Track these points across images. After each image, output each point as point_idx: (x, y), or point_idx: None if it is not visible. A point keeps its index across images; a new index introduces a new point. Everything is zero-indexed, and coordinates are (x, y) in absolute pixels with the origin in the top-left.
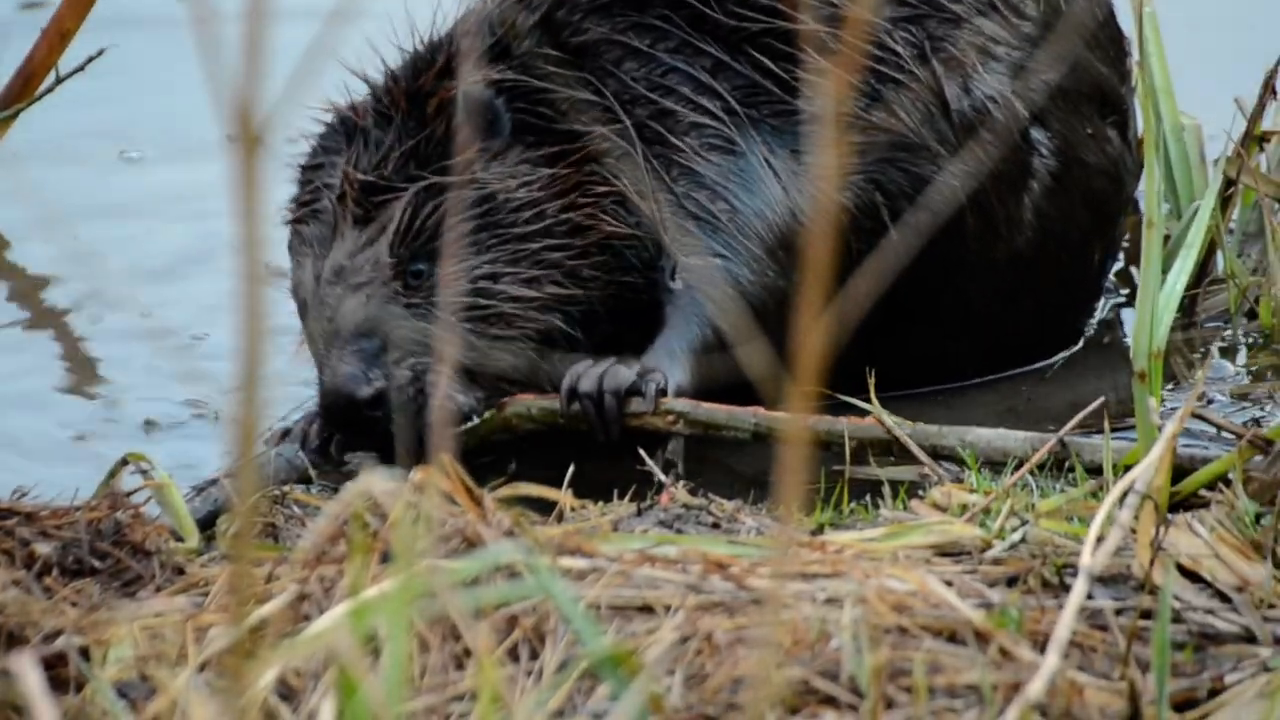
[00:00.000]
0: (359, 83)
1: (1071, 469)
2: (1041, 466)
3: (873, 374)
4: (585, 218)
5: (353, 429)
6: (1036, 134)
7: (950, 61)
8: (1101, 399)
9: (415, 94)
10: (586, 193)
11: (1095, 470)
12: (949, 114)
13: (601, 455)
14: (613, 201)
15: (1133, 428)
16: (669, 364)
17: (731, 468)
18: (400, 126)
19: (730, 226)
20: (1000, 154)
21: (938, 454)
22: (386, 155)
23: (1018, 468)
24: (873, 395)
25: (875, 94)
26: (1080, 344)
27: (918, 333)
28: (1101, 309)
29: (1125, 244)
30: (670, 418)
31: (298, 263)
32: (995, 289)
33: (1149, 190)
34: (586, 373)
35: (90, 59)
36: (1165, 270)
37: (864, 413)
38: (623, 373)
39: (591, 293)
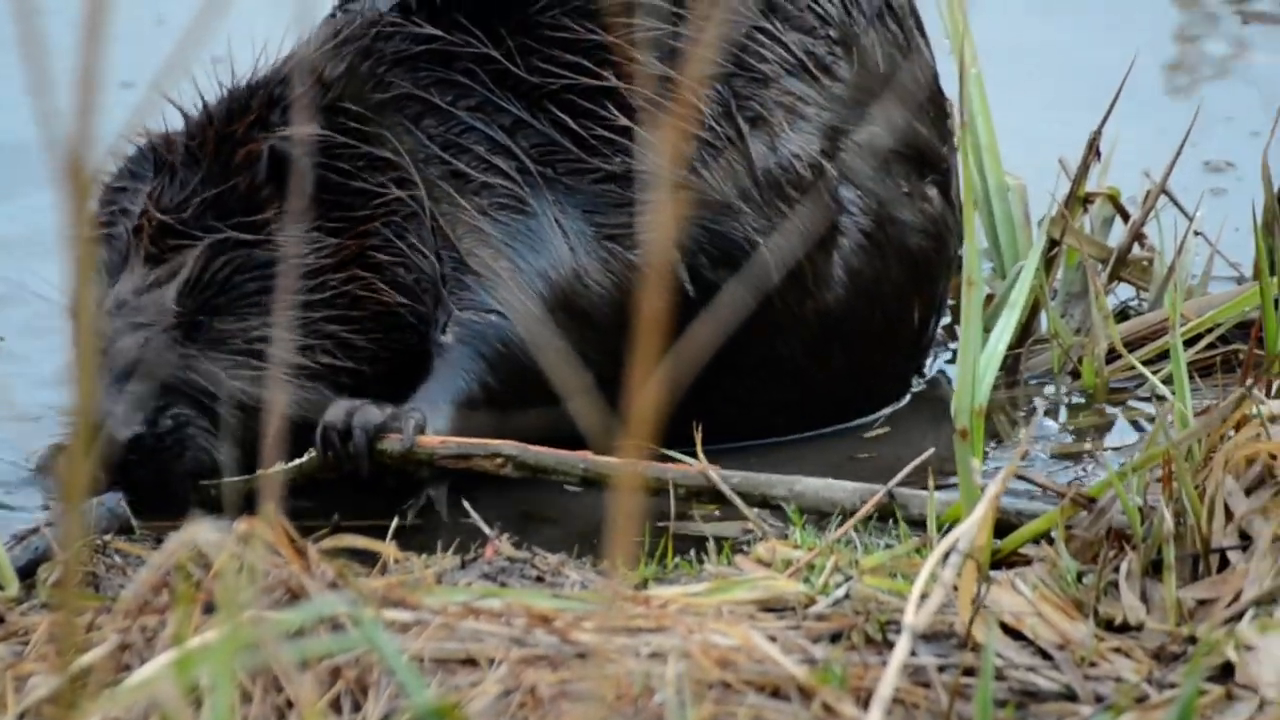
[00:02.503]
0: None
1: (896, 524)
2: (866, 521)
3: (700, 427)
4: (363, 289)
5: (106, 467)
6: (846, 192)
7: (756, 120)
8: (929, 451)
9: (225, 139)
10: (366, 262)
11: (922, 523)
12: (754, 172)
13: (428, 506)
14: (393, 264)
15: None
16: (429, 411)
17: (556, 522)
18: (206, 171)
19: (510, 283)
20: (807, 212)
21: (767, 503)
22: (188, 199)
23: (843, 522)
24: (699, 447)
25: (669, 149)
26: (907, 399)
27: (727, 386)
28: (931, 366)
29: (954, 302)
30: (499, 460)
31: None
32: (804, 344)
33: (969, 249)
34: (336, 405)
35: None
36: (989, 329)
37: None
38: (374, 411)
39: (362, 363)
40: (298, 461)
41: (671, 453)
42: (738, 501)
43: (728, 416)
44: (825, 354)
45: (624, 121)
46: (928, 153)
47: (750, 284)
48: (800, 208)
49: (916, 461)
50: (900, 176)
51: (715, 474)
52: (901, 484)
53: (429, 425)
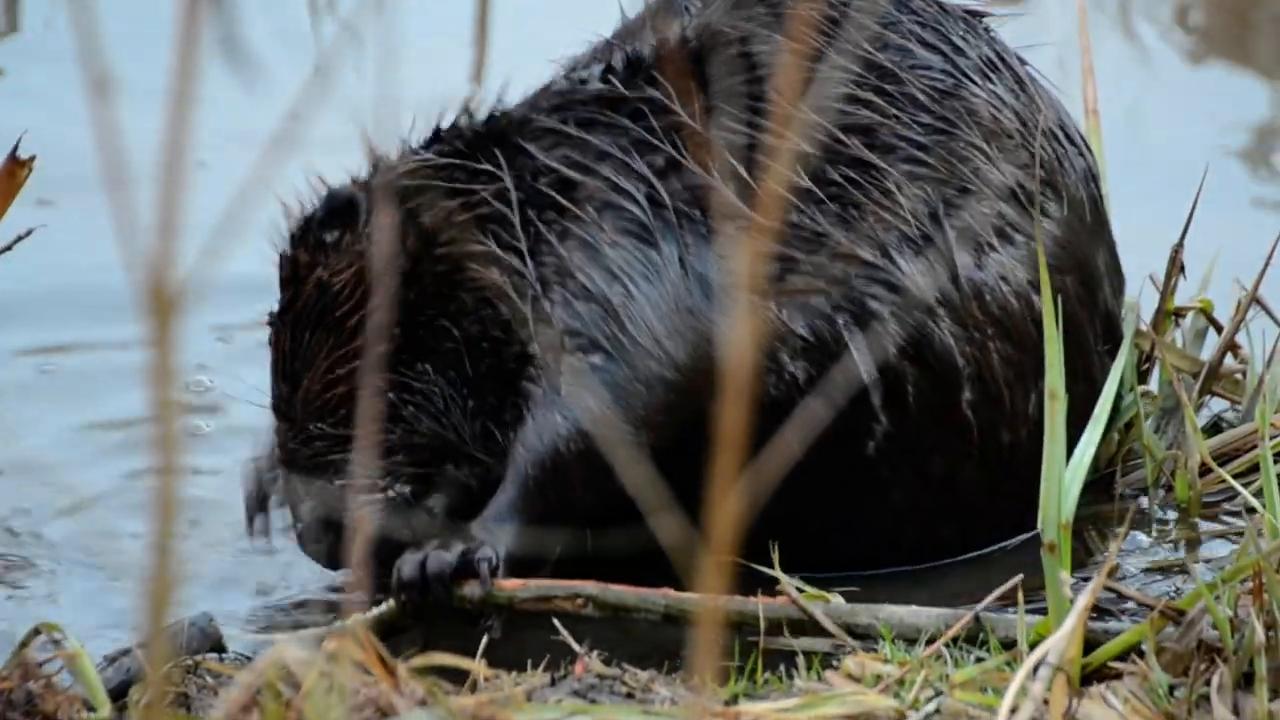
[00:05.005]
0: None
1: (985, 640)
2: (955, 638)
3: (778, 546)
4: (462, 278)
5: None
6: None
7: (964, 231)
8: (1019, 577)
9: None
10: (458, 258)
11: (1010, 644)
12: (957, 277)
13: (516, 624)
14: (483, 259)
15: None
16: (500, 529)
17: (646, 635)
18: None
19: (621, 314)
20: (1014, 340)
21: (852, 632)
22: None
23: (932, 640)
24: (775, 567)
25: (862, 228)
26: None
27: (899, 499)
28: None
29: None
30: (579, 600)
31: None
32: (990, 474)
33: (1051, 361)
34: (407, 560)
35: (19, 238)
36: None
37: (776, 582)
38: (445, 556)
39: (461, 369)
40: (377, 611)
41: (759, 567)
42: (831, 626)
43: (896, 536)
44: (1003, 486)
45: (806, 184)
46: (1113, 320)
47: (948, 396)
48: (1006, 329)
49: (1005, 587)
50: (1097, 335)
51: (803, 604)
52: (991, 605)
53: (501, 551)
